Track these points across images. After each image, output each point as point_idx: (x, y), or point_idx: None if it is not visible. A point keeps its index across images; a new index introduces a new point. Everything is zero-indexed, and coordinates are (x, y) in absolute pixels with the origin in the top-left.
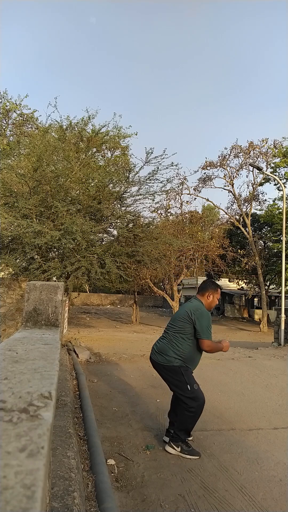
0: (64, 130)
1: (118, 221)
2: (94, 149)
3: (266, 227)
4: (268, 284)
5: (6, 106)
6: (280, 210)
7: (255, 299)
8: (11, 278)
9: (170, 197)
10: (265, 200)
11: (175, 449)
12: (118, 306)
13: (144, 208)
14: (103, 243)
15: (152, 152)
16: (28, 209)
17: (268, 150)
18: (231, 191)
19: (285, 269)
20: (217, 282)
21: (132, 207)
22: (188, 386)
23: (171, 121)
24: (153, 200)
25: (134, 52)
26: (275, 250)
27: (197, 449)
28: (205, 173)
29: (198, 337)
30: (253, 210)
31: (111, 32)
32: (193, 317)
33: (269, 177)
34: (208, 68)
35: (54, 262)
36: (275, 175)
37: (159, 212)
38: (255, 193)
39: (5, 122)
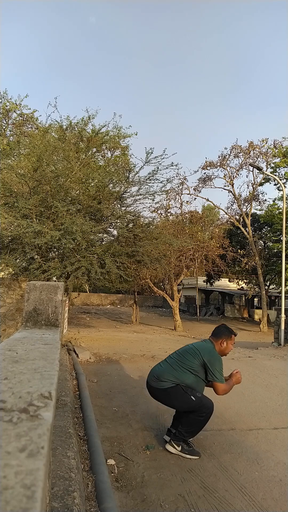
0: (64, 130)
1: (118, 221)
2: (94, 149)
3: (266, 227)
4: (268, 284)
5: (6, 106)
6: (280, 210)
7: (255, 299)
8: (11, 278)
9: (170, 197)
10: (265, 200)
11: (176, 448)
12: (118, 306)
13: (144, 208)
14: (103, 243)
15: (152, 152)
16: (28, 209)
17: (268, 150)
18: (231, 191)
19: (285, 269)
20: (230, 329)
21: (132, 207)
22: (192, 397)
23: (171, 120)
24: (153, 200)
25: (134, 52)
26: (275, 250)
27: (197, 449)
28: (205, 173)
29: (211, 381)
30: (253, 210)
31: (111, 32)
32: (205, 360)
33: (269, 177)
34: (208, 68)
35: (54, 262)
36: (275, 175)
37: (159, 212)
38: (255, 193)
39: (5, 122)
